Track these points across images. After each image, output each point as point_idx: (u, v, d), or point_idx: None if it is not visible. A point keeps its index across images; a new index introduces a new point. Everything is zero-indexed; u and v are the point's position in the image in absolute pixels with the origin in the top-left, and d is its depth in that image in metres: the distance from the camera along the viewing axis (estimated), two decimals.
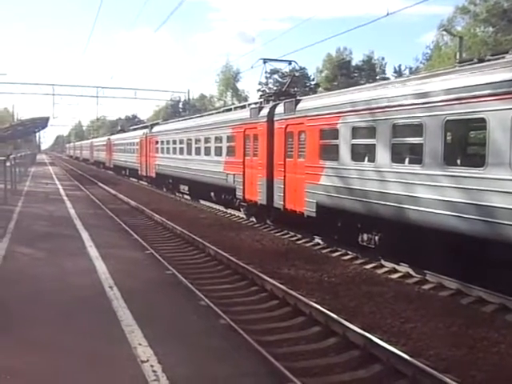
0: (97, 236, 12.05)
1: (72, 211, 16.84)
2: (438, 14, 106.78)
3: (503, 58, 9.13)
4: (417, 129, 10.31)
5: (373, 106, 11.50)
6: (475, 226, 8.87)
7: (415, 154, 10.58)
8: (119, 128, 63.59)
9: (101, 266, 8.91)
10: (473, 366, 6.29)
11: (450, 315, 8.19)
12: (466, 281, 9.59)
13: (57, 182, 30.65)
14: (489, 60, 9.57)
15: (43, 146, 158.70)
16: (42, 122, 55.85)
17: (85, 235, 12.18)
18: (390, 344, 6.46)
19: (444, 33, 45.01)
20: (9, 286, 7.64)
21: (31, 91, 52.71)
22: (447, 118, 9.56)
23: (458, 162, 10.06)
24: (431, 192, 9.81)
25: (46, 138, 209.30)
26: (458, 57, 23.76)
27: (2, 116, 76.03)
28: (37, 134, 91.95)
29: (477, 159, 9.64)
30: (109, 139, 54.16)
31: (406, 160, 10.86)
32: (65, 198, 21.47)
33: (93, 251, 10.22)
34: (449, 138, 10.42)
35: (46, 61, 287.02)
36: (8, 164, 19.90)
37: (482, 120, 8.87)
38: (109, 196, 27.28)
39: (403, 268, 11.20)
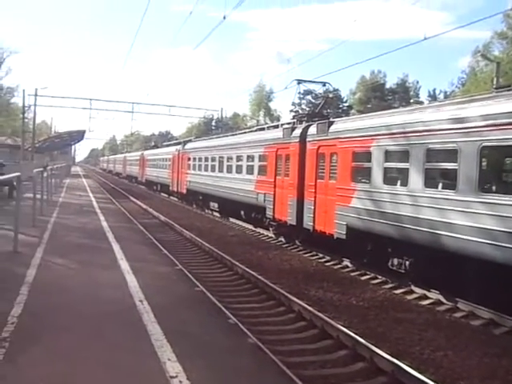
0: (128, 249, 12.19)
1: (105, 224, 17.09)
2: (476, 38, 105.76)
3: None
4: (451, 154, 10.22)
5: (407, 129, 11.45)
6: (511, 254, 8.70)
7: (449, 180, 10.47)
8: (153, 143, 64.51)
9: (132, 280, 9.00)
10: None
11: (482, 345, 8.02)
12: (499, 310, 9.38)
13: (90, 195, 31.17)
14: None
15: (77, 159, 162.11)
16: (79, 135, 57.11)
17: (116, 248, 12.33)
18: (418, 372, 6.35)
19: (479, 58, 44.59)
20: (42, 296, 7.76)
21: (70, 105, 54.04)
22: (483, 144, 9.46)
23: (494, 188, 9.91)
24: (465, 218, 9.67)
25: (80, 151, 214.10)
26: (495, 82, 23.49)
27: (40, 128, 78.14)
28: (72, 147, 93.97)
29: None
30: (142, 154, 55.04)
31: (440, 185, 10.74)
32: (98, 210, 21.81)
33: (124, 264, 10.34)
34: (484, 164, 10.29)
35: (85, 75, 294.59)
36: (45, 175, 20.30)
37: None
38: (140, 210, 27.64)
39: (434, 295, 11.02)
